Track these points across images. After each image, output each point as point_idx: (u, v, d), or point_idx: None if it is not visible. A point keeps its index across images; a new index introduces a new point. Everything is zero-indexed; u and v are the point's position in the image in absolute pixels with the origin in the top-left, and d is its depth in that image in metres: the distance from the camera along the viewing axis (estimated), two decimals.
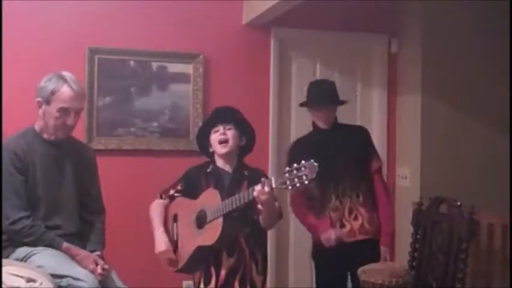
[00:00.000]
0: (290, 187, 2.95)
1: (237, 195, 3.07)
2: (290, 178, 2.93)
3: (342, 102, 3.72)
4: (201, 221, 3.20)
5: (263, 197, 3.00)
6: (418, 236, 3.87)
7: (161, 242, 3.23)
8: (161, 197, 3.40)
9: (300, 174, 2.91)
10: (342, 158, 3.59)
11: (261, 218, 3.15)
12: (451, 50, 4.62)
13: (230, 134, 3.26)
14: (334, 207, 3.58)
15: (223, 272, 3.18)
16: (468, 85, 4.64)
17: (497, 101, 4.63)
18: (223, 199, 3.12)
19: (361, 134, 3.77)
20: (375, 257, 3.56)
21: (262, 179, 3.02)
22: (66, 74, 3.04)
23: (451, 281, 3.46)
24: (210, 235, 3.12)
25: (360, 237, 3.55)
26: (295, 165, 2.93)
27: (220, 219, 3.09)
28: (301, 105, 3.76)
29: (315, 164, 2.91)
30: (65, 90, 2.98)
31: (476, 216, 3.51)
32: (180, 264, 3.28)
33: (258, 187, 2.99)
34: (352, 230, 3.55)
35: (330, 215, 3.58)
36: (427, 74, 4.61)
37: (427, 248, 3.75)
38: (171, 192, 3.38)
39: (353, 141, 3.67)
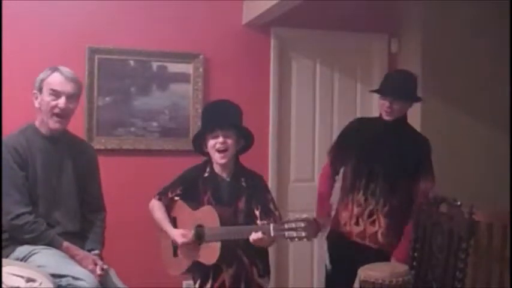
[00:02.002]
0: (289, 240, 2.96)
1: (236, 229, 3.09)
2: (289, 230, 2.94)
3: (416, 99, 3.48)
4: (199, 235, 3.21)
5: (260, 243, 3.04)
6: (418, 236, 3.86)
7: (177, 234, 3.24)
8: (159, 199, 3.39)
9: (299, 229, 2.92)
10: (390, 157, 3.40)
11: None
12: (451, 50, 4.62)
13: (230, 142, 3.20)
14: (357, 201, 3.46)
15: (219, 283, 3.19)
16: (468, 85, 4.64)
17: (497, 101, 4.63)
18: (221, 219, 3.11)
19: (424, 146, 3.48)
20: None
21: (260, 223, 3.07)
22: (60, 66, 3.09)
23: (451, 281, 3.46)
24: (209, 255, 3.14)
25: (368, 243, 3.47)
26: (297, 216, 2.96)
27: (219, 244, 3.11)
28: (372, 91, 3.58)
29: (316, 222, 2.95)
30: (55, 75, 3.03)
31: (476, 216, 3.51)
32: (180, 271, 3.33)
33: (256, 235, 3.00)
34: (364, 232, 3.47)
35: (352, 206, 3.48)
36: (427, 74, 4.61)
37: (427, 248, 3.75)
38: (170, 195, 3.37)
39: (411, 148, 3.44)
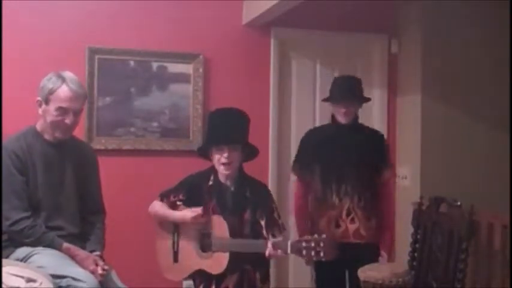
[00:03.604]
0: (306, 259, 3.02)
1: (248, 244, 3.10)
2: (307, 248, 2.95)
3: (365, 99, 3.69)
4: (205, 244, 3.21)
5: (274, 257, 3.08)
6: (418, 236, 3.87)
7: (185, 213, 3.25)
8: (162, 200, 3.39)
9: (318, 249, 2.93)
10: (353, 157, 3.56)
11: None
12: (451, 50, 4.62)
13: (235, 156, 3.21)
14: (332, 204, 3.56)
15: (227, 286, 3.19)
16: (468, 85, 4.64)
17: (497, 101, 4.63)
18: (230, 231, 3.12)
19: (379, 139, 3.74)
20: (375, 260, 3.56)
21: (277, 240, 3.06)
22: (67, 74, 3.01)
23: (451, 281, 3.46)
24: (216, 265, 3.14)
25: (354, 240, 3.53)
26: (316, 235, 2.98)
27: (227, 254, 3.12)
28: (324, 100, 3.73)
29: (333, 241, 2.97)
30: (63, 90, 2.96)
31: (476, 216, 3.51)
32: (181, 277, 3.35)
33: (271, 250, 3.01)
34: (346, 231, 3.54)
35: (328, 211, 3.57)
36: (427, 74, 4.61)
37: (427, 248, 3.75)
38: (173, 199, 3.36)
39: (369, 144, 3.65)
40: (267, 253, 3.04)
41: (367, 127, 3.78)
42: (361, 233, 3.54)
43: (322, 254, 2.93)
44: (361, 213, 3.54)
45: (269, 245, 3.04)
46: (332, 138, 3.61)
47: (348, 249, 3.44)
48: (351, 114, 3.59)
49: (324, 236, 2.99)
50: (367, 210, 3.55)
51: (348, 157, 3.55)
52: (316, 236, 3.00)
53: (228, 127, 3.24)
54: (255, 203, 3.22)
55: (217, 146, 3.21)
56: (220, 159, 3.20)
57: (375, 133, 3.79)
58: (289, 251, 3.00)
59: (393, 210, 3.76)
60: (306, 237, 3.02)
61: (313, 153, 3.66)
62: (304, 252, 2.95)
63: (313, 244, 2.94)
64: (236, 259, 3.15)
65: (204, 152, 3.32)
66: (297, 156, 3.81)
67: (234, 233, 3.16)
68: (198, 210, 3.21)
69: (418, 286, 3.62)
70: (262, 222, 3.23)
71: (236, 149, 3.21)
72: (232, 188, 3.27)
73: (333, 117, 3.67)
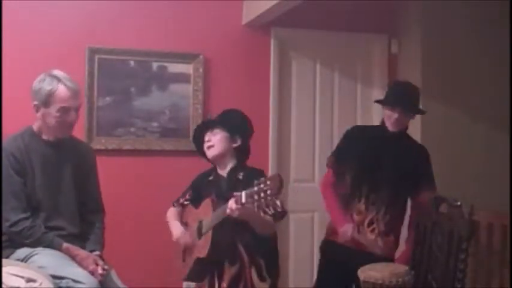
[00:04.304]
0: (257, 202, 2.81)
1: (219, 210, 3.07)
2: (257, 192, 2.82)
3: (421, 111, 3.51)
4: (199, 232, 3.23)
5: (234, 214, 2.96)
6: (418, 236, 3.86)
7: (176, 232, 3.33)
8: (173, 206, 3.48)
9: (265, 188, 2.80)
10: (393, 167, 3.38)
11: (254, 227, 3.13)
12: (451, 50, 4.62)
13: (216, 139, 3.28)
14: (358, 209, 3.43)
15: (225, 283, 3.15)
16: (468, 85, 4.64)
17: (497, 101, 4.63)
18: (214, 209, 3.14)
19: (425, 156, 3.49)
20: None
21: (235, 193, 2.96)
22: (58, 73, 3.03)
23: (451, 281, 3.45)
24: (203, 247, 3.15)
25: (369, 250, 3.42)
26: (262, 178, 2.85)
27: (210, 232, 3.11)
28: (377, 101, 3.55)
29: (278, 175, 2.81)
30: (62, 90, 2.97)
31: (476, 216, 3.50)
32: (185, 274, 3.32)
33: (230, 203, 2.96)
34: (364, 239, 3.43)
35: (353, 215, 3.44)
36: (427, 74, 4.61)
37: (427, 248, 3.75)
38: (181, 200, 3.45)
39: (413, 159, 3.44)
40: (227, 210, 2.96)
41: (413, 140, 3.58)
42: (379, 245, 3.42)
43: (269, 192, 2.76)
44: (383, 227, 3.42)
45: (230, 201, 2.96)
46: (376, 141, 3.42)
47: (359, 257, 3.34)
48: (402, 123, 3.39)
49: (269, 175, 2.86)
50: (389, 225, 3.42)
51: (387, 166, 3.39)
52: (262, 178, 2.83)
53: (211, 118, 3.44)
54: (247, 184, 3.13)
55: (204, 135, 3.34)
56: (205, 145, 3.32)
57: (420, 147, 3.56)
58: (243, 200, 2.87)
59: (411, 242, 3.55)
60: (256, 181, 2.83)
61: (352, 151, 3.48)
62: (255, 196, 2.81)
63: (262, 185, 2.80)
64: (229, 243, 3.11)
65: (198, 145, 3.41)
66: (336, 149, 3.60)
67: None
68: (186, 233, 3.29)
69: (418, 286, 3.61)
70: None
71: (217, 132, 3.29)
72: (225, 175, 3.30)
73: (383, 121, 3.45)
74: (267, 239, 3.29)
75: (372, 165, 3.41)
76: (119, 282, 3.03)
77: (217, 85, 4.58)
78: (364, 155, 3.44)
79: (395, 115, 3.35)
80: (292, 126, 4.81)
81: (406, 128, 3.48)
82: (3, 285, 2.54)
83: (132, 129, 4.45)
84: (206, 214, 3.20)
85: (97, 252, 3.05)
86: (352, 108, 4.92)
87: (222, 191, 3.26)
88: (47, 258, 2.87)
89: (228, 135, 3.29)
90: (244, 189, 3.05)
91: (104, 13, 4.38)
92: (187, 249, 3.31)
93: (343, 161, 3.51)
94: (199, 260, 3.20)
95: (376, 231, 3.42)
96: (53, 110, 2.97)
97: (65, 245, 2.96)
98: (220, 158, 3.30)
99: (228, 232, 3.12)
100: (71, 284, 2.76)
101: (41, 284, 2.62)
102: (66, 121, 3.00)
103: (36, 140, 3.04)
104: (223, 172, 3.32)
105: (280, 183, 2.78)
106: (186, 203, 3.43)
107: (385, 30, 4.92)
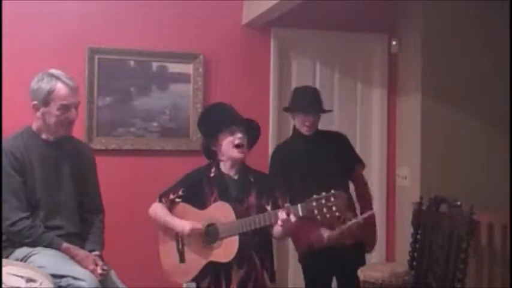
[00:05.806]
0: (319, 217, 2.88)
1: (257, 218, 3.04)
2: (318, 207, 2.86)
3: (329, 111, 3.78)
4: (211, 235, 3.17)
5: (288, 225, 2.96)
6: (418, 236, 3.86)
7: (185, 223, 3.22)
8: (161, 201, 3.38)
9: (329, 204, 2.84)
10: (325, 163, 3.58)
11: (275, 233, 3.14)
12: (451, 50, 4.62)
13: (245, 141, 3.26)
14: None
15: (234, 285, 3.14)
16: (468, 85, 4.64)
17: (497, 101, 4.63)
18: (236, 214, 3.08)
19: (343, 140, 3.80)
20: (362, 261, 3.56)
21: (287, 205, 2.96)
22: (55, 71, 3.04)
23: (451, 281, 3.46)
24: (226, 252, 3.10)
25: (349, 241, 3.51)
26: (323, 193, 2.88)
27: (237, 237, 3.07)
28: (286, 109, 3.76)
29: (344, 194, 2.89)
30: (61, 88, 2.98)
31: (476, 216, 3.51)
32: (190, 277, 3.26)
33: (283, 215, 2.92)
34: (341, 233, 3.48)
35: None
36: (427, 74, 4.61)
37: (427, 248, 3.75)
38: (172, 196, 3.34)
39: (335, 147, 3.71)
40: (279, 222, 2.94)
41: (328, 131, 3.85)
42: (354, 232, 3.49)
43: (334, 209, 2.81)
44: (348, 213, 3.48)
45: (280, 212, 2.93)
46: (301, 150, 3.61)
47: (336, 252, 3.46)
48: (316, 126, 3.65)
49: (333, 191, 2.88)
50: (352, 207, 3.60)
51: (321, 164, 3.57)
52: (324, 193, 2.88)
53: (231, 112, 3.32)
54: (260, 187, 3.18)
55: (229, 127, 3.24)
56: (233, 140, 3.23)
57: (337, 135, 3.85)
58: (300, 213, 2.89)
59: (371, 202, 3.75)
60: (315, 196, 2.88)
61: (287, 168, 3.61)
62: (315, 211, 2.83)
63: (323, 201, 2.83)
64: (244, 249, 3.10)
65: (208, 138, 3.33)
66: (274, 177, 3.66)
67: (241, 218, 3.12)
68: (198, 225, 3.20)
69: (418, 286, 3.61)
70: (268, 208, 3.18)
71: (244, 133, 3.25)
72: (236, 177, 3.27)
73: (294, 127, 3.70)
74: (270, 243, 3.30)
75: (310, 170, 3.56)
76: (118, 282, 3.04)
77: (217, 85, 4.58)
78: (299, 167, 3.60)
79: (310, 120, 3.60)
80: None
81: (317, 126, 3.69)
82: (3, 285, 2.54)
83: (132, 129, 4.45)
84: (222, 217, 3.14)
85: (96, 252, 3.05)
86: (352, 108, 4.92)
87: (231, 191, 3.23)
88: (46, 258, 2.87)
89: (247, 144, 3.29)
90: (258, 192, 3.07)
91: (104, 13, 4.38)
92: (187, 250, 3.28)
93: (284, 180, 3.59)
94: (211, 264, 3.16)
95: (347, 220, 3.49)
96: (53, 109, 2.98)
97: (65, 244, 2.96)
98: (241, 160, 3.27)
99: (247, 239, 3.12)
100: (72, 281, 2.76)
101: (41, 284, 2.62)
102: (67, 119, 3.01)
103: (36, 140, 3.04)
104: (230, 171, 3.28)
105: (349, 204, 2.95)
106: (177, 200, 3.32)
107: (385, 30, 4.92)
